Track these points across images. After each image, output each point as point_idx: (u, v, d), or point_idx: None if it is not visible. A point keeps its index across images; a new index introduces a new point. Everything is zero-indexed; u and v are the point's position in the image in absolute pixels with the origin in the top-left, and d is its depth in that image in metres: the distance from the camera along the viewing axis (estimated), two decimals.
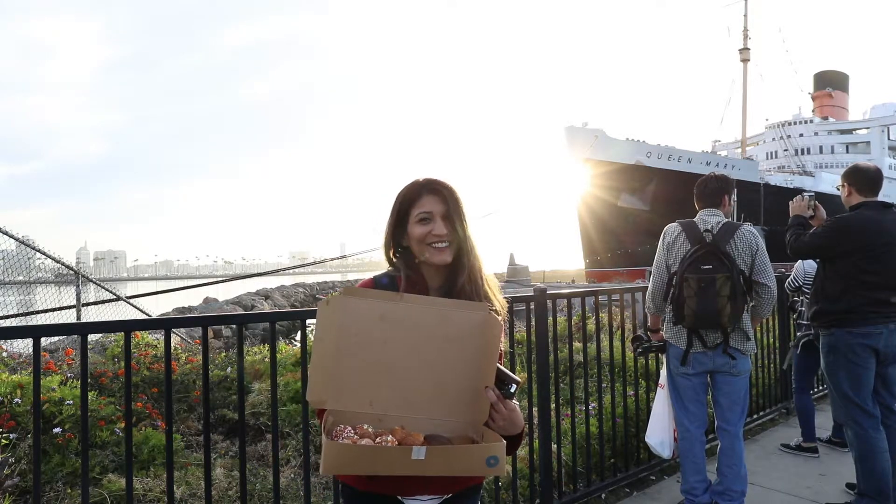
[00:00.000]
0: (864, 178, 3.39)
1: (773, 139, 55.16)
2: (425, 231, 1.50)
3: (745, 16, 48.69)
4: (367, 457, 1.22)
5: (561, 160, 39.35)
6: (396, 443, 1.26)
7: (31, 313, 7.74)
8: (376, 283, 1.56)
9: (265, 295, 29.38)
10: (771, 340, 5.40)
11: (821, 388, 5.66)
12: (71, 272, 7.81)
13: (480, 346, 1.36)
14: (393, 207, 1.57)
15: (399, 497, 1.46)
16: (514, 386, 1.38)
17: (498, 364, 1.41)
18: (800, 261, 4.42)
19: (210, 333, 2.83)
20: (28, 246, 7.03)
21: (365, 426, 1.31)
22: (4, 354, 5.17)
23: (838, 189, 3.52)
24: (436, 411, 1.36)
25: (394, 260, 1.59)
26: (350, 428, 1.30)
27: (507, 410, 1.37)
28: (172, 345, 2.60)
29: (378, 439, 1.27)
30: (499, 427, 1.37)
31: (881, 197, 3.42)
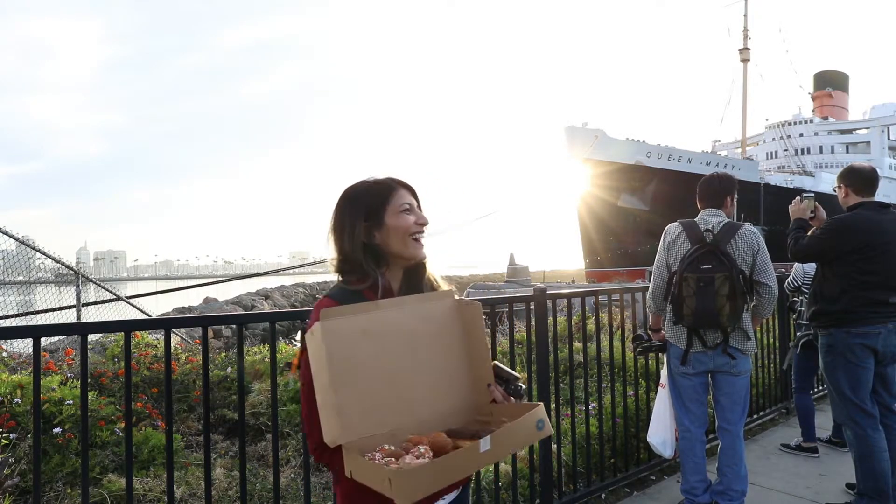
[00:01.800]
0: (861, 179, 3.39)
1: (773, 139, 55.17)
2: (411, 220, 1.46)
3: (745, 16, 48.71)
4: (439, 471, 1.14)
5: (561, 160, 39.35)
6: (429, 449, 1.21)
7: (31, 313, 7.75)
8: (335, 299, 1.43)
9: (265, 295, 29.39)
10: (771, 340, 5.40)
11: (821, 388, 5.66)
12: (71, 272, 7.81)
13: (463, 330, 1.35)
14: (357, 205, 1.47)
15: None
16: (521, 385, 1.40)
17: (497, 363, 1.41)
18: None
19: (210, 333, 2.82)
20: (28, 246, 7.03)
21: (386, 447, 1.23)
22: (4, 354, 5.18)
23: (835, 190, 3.52)
24: (442, 407, 1.34)
25: (363, 265, 1.44)
26: (377, 454, 1.21)
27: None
28: (172, 345, 2.60)
29: (410, 455, 1.20)
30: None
31: (880, 197, 3.43)
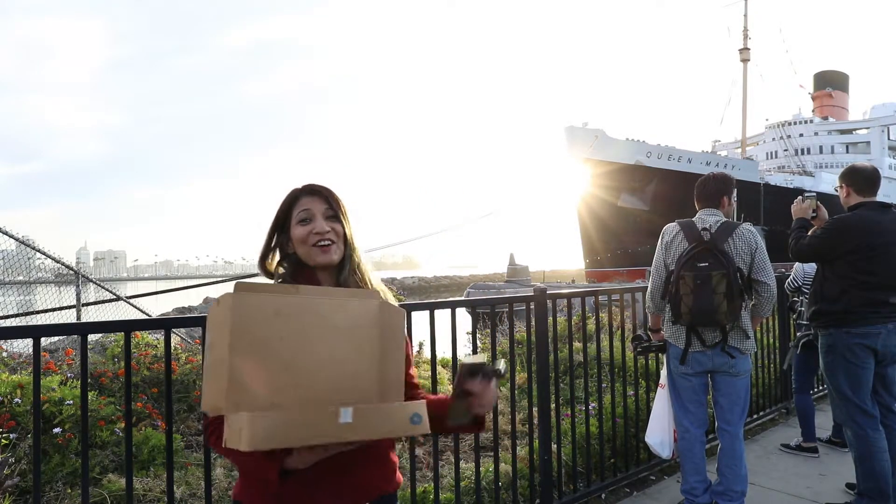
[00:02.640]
0: (862, 179, 3.39)
1: (773, 139, 55.20)
2: (306, 231, 1.47)
3: (745, 16, 48.76)
4: (291, 426, 1.11)
5: (561, 160, 39.38)
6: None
7: (31, 313, 7.74)
8: None
9: None
10: (771, 340, 5.40)
11: (821, 388, 5.66)
12: (71, 272, 7.81)
13: (381, 332, 1.30)
14: (274, 219, 1.53)
15: None
16: (497, 367, 1.37)
17: (463, 359, 1.40)
18: None
19: None
20: (28, 246, 7.03)
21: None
22: (4, 354, 5.18)
23: (836, 190, 3.52)
24: (342, 401, 1.25)
25: (275, 271, 1.53)
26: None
27: (490, 393, 1.36)
28: (172, 345, 2.60)
29: None
30: (483, 411, 1.39)
31: (880, 197, 3.43)
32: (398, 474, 1.53)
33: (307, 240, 1.47)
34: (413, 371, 1.61)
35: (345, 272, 1.50)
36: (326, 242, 1.47)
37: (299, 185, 1.55)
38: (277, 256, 1.54)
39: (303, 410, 1.15)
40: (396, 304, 1.44)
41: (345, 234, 1.51)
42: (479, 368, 1.37)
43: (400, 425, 1.20)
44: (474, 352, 2.99)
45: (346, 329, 1.28)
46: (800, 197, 3.67)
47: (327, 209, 1.50)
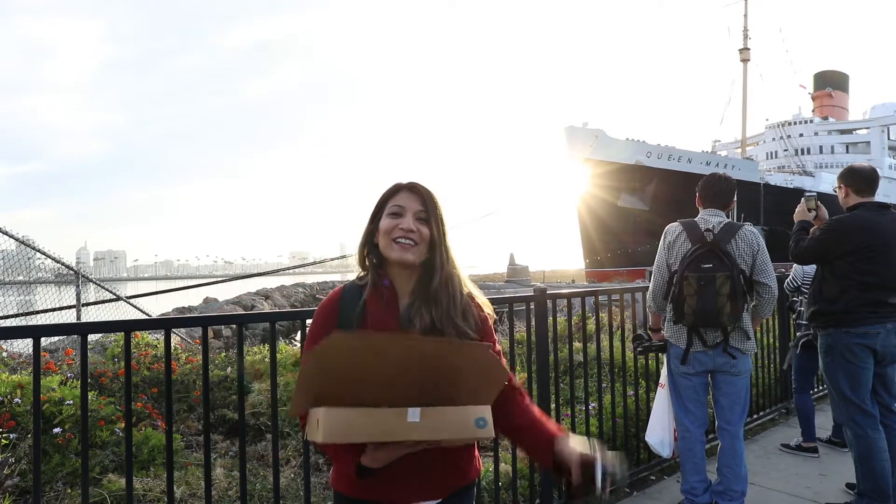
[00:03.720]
0: (861, 179, 3.39)
1: (773, 139, 55.20)
2: (393, 224, 1.47)
3: (745, 16, 48.75)
4: (362, 422, 1.18)
5: (561, 160, 39.38)
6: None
7: (31, 313, 7.75)
8: (343, 294, 1.52)
9: (265, 295, 29.37)
10: (771, 340, 5.40)
11: (821, 388, 5.66)
12: (71, 272, 7.81)
13: (480, 375, 1.30)
14: (373, 208, 1.55)
15: None
16: (603, 476, 1.29)
17: (599, 452, 1.32)
18: None
19: (210, 333, 2.83)
20: (28, 246, 7.03)
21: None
22: (4, 354, 5.18)
23: (835, 191, 3.52)
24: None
25: (366, 263, 1.53)
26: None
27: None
28: (172, 345, 2.60)
29: None
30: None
31: (880, 197, 3.42)
32: (476, 464, 1.55)
33: (391, 233, 1.46)
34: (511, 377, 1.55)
35: (434, 281, 1.47)
36: (408, 241, 1.45)
37: (404, 181, 1.54)
38: (367, 250, 1.55)
39: (375, 409, 1.20)
40: (491, 311, 1.53)
41: (432, 239, 1.48)
42: (595, 471, 1.29)
43: (465, 427, 1.23)
44: None
45: (447, 371, 1.28)
46: (802, 199, 3.67)
47: (420, 210, 1.48)
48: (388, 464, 1.31)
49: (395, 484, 1.39)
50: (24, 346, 5.41)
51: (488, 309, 1.57)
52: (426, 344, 1.30)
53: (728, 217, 3.32)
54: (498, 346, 1.56)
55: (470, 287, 1.55)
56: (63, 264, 7.75)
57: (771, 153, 55.35)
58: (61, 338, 7.55)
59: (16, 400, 3.53)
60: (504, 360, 1.57)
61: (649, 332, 3.56)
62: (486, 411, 1.25)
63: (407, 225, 1.46)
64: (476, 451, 1.56)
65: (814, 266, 3.65)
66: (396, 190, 1.52)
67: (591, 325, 6.49)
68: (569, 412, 3.80)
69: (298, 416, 1.36)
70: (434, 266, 1.48)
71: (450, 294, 1.48)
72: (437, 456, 1.38)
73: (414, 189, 1.51)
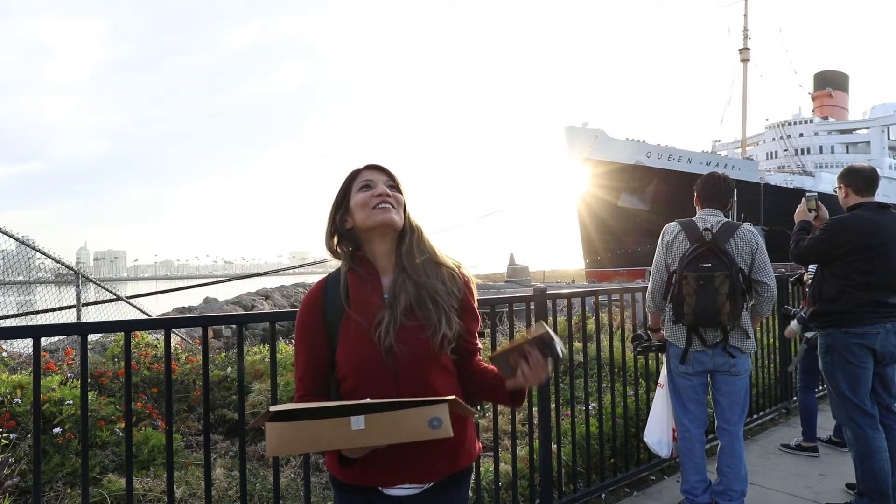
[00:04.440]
0: (861, 179, 3.39)
1: (773, 139, 55.21)
2: (368, 194, 1.50)
3: (745, 16, 48.76)
4: (307, 434, 1.19)
5: (561, 160, 39.37)
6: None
7: (31, 313, 7.74)
8: (326, 285, 1.55)
9: (265, 295, 29.35)
10: (771, 340, 5.40)
11: (821, 387, 5.66)
12: (71, 272, 7.81)
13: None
14: (334, 199, 1.57)
15: (380, 488, 1.47)
16: (558, 348, 1.36)
17: (544, 326, 1.39)
18: None
19: (210, 333, 2.83)
20: (28, 246, 7.03)
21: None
22: (4, 354, 5.17)
23: (835, 191, 3.52)
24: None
25: (339, 249, 1.57)
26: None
27: (541, 372, 1.39)
28: (172, 345, 2.60)
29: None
30: (529, 384, 1.42)
31: (880, 197, 3.42)
32: (472, 450, 1.57)
33: (368, 202, 1.49)
34: (475, 335, 1.60)
35: (405, 243, 1.52)
36: (387, 204, 1.49)
37: (360, 165, 1.58)
38: (337, 238, 1.58)
39: (317, 421, 1.21)
40: (458, 263, 1.55)
41: (404, 205, 1.54)
42: (546, 345, 1.36)
43: (417, 430, 1.22)
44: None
45: None
46: (802, 199, 3.66)
47: (388, 181, 1.54)
48: (372, 451, 1.34)
49: (381, 469, 1.43)
50: (24, 346, 5.41)
51: (465, 270, 1.59)
52: (371, 423, 1.24)
53: (728, 217, 3.33)
54: (477, 316, 1.59)
55: (444, 254, 1.57)
56: (63, 264, 7.74)
57: (771, 153, 55.34)
58: (61, 338, 7.55)
59: (16, 400, 3.53)
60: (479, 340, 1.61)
61: (649, 331, 3.57)
62: (440, 410, 1.22)
63: (382, 190, 1.50)
64: (471, 436, 1.57)
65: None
66: (357, 172, 1.57)
67: (591, 325, 6.49)
68: (569, 412, 3.80)
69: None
70: (405, 230, 1.53)
71: (425, 251, 1.52)
72: (423, 442, 1.35)
73: (376, 167, 1.57)
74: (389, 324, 1.43)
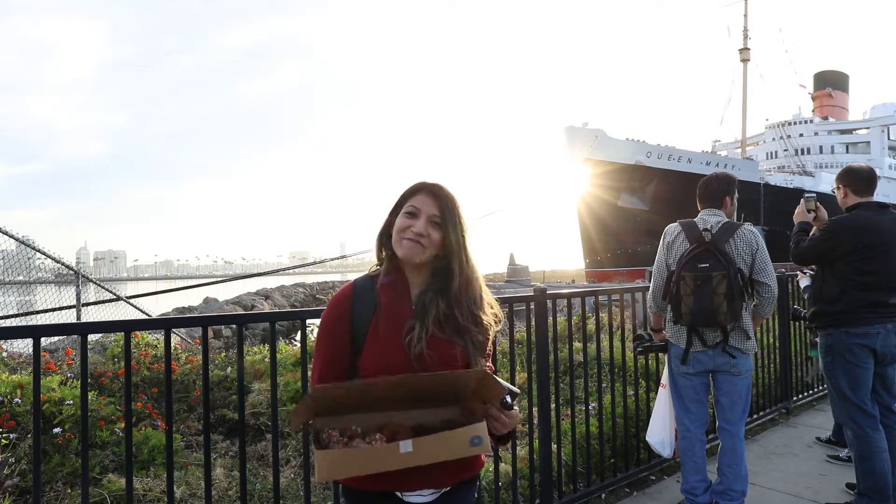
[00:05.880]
0: (859, 179, 3.39)
1: (773, 139, 55.15)
2: (406, 224, 1.51)
3: (745, 16, 48.71)
4: (358, 459, 1.27)
5: (561, 160, 39.36)
6: (385, 440, 1.31)
7: (31, 313, 7.74)
8: (355, 287, 1.57)
9: (265, 295, 29.35)
10: (771, 340, 5.40)
11: (821, 387, 5.66)
12: (71, 272, 7.81)
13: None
14: (396, 201, 1.58)
15: (396, 493, 1.49)
16: (511, 398, 1.44)
17: (497, 378, 1.44)
18: None
19: (210, 333, 2.83)
20: (28, 246, 7.03)
21: (353, 427, 1.34)
22: (4, 354, 5.17)
23: (834, 192, 3.53)
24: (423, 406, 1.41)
25: (382, 253, 1.59)
26: (337, 430, 1.33)
27: (508, 419, 1.45)
28: (172, 345, 2.60)
29: (368, 439, 1.32)
30: (498, 431, 1.47)
31: (880, 197, 3.42)
32: (480, 457, 1.61)
33: (402, 232, 1.51)
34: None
35: (453, 284, 1.50)
36: (416, 243, 1.49)
37: (430, 181, 1.56)
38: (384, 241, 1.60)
39: (369, 448, 1.30)
40: (500, 316, 1.59)
41: (447, 244, 1.51)
42: (504, 393, 1.43)
43: (460, 448, 1.31)
44: None
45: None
46: (801, 200, 3.67)
47: (435, 215, 1.51)
48: None
49: (397, 476, 1.43)
50: (24, 346, 5.41)
51: (495, 318, 1.60)
52: (417, 378, 1.37)
53: (729, 217, 3.33)
54: (489, 352, 1.63)
55: (487, 295, 1.59)
56: (63, 264, 7.75)
57: (771, 153, 55.29)
58: (61, 338, 7.55)
59: (16, 400, 3.53)
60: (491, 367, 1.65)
61: (651, 332, 3.57)
62: (481, 429, 1.32)
63: (418, 228, 1.49)
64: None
65: None
66: (417, 190, 1.55)
67: (591, 325, 6.49)
68: (569, 412, 3.80)
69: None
70: (452, 269, 1.51)
71: (469, 298, 1.53)
72: None
73: (434, 192, 1.53)
74: (421, 332, 1.46)
